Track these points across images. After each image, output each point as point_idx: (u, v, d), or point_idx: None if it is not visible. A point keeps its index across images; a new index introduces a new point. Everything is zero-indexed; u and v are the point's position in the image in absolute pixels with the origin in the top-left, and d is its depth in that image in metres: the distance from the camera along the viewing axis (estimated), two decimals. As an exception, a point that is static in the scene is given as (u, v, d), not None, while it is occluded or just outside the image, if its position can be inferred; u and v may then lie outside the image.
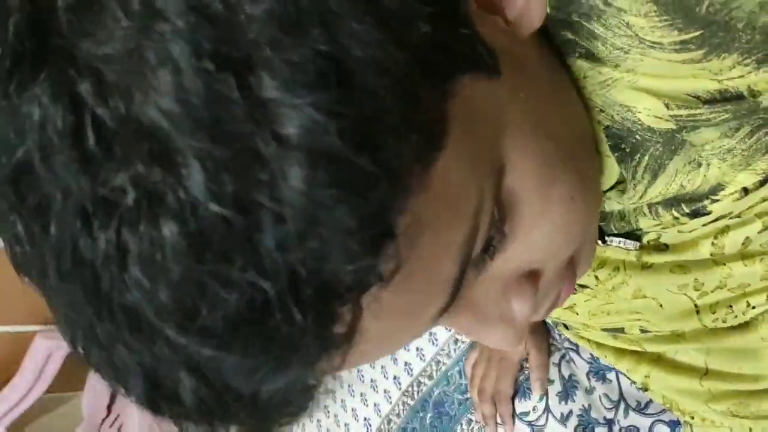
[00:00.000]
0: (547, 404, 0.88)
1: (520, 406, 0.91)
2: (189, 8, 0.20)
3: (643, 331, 0.49)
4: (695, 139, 0.33)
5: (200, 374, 0.22)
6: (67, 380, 1.94)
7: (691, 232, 0.40)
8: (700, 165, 0.34)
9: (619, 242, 0.42)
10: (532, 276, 0.31)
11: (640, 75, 0.32)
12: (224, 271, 0.20)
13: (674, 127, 0.33)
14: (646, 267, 0.44)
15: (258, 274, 0.20)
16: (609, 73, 0.32)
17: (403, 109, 0.22)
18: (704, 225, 0.39)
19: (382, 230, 0.22)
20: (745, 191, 0.35)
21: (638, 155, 0.35)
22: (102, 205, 0.20)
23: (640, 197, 0.37)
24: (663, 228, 0.40)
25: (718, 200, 0.36)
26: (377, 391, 1.16)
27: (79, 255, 0.21)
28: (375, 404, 1.16)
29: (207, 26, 0.20)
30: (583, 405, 0.84)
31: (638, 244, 0.42)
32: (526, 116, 0.28)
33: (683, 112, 0.32)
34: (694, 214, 0.37)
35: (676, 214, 0.38)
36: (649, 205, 0.39)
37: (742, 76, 0.30)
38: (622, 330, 0.50)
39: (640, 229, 0.41)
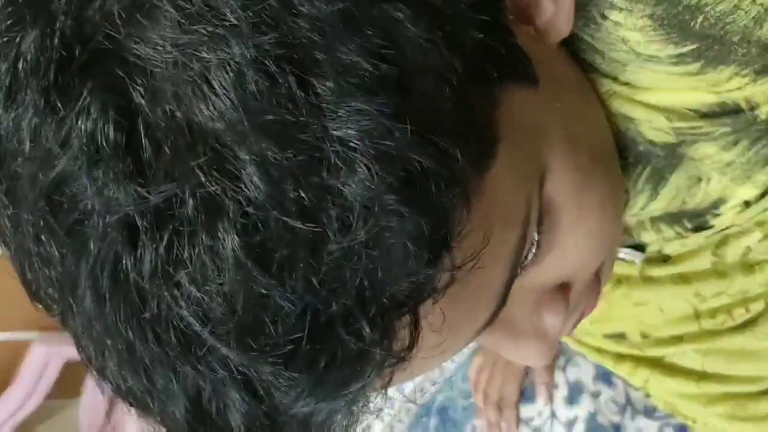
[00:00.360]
0: (552, 409, 0.87)
1: (525, 411, 0.91)
2: (247, 8, 0.19)
3: (644, 336, 0.49)
4: (694, 153, 0.33)
5: (254, 394, 0.21)
6: (66, 387, 1.93)
7: (693, 244, 0.41)
8: (700, 180, 0.34)
9: (626, 253, 0.43)
10: (563, 289, 0.31)
11: (639, 88, 0.32)
12: (288, 283, 0.19)
13: (674, 140, 0.33)
14: (647, 280, 0.45)
15: (323, 286, 0.19)
16: (609, 84, 0.32)
17: (459, 115, 0.22)
18: (706, 238, 0.39)
19: (444, 238, 0.21)
20: (747, 204, 0.35)
21: (640, 166, 0.35)
22: (153, 217, 0.19)
23: (642, 208, 0.37)
24: (666, 241, 0.40)
25: (720, 214, 0.36)
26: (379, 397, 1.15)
27: (122, 272, 0.20)
28: (377, 410, 1.15)
29: (266, 26, 0.19)
30: (589, 410, 0.83)
31: (644, 255, 0.43)
32: (560, 124, 0.28)
33: (683, 124, 0.32)
34: (697, 229, 0.38)
35: (678, 229, 0.38)
36: (652, 221, 0.39)
37: (739, 88, 0.30)
38: (623, 335, 0.50)
39: (643, 243, 0.42)
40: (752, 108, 0.31)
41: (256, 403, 0.21)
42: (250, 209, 0.19)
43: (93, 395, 1.99)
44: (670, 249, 0.43)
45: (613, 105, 0.33)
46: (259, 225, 0.19)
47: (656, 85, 0.31)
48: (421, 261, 0.20)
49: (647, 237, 0.40)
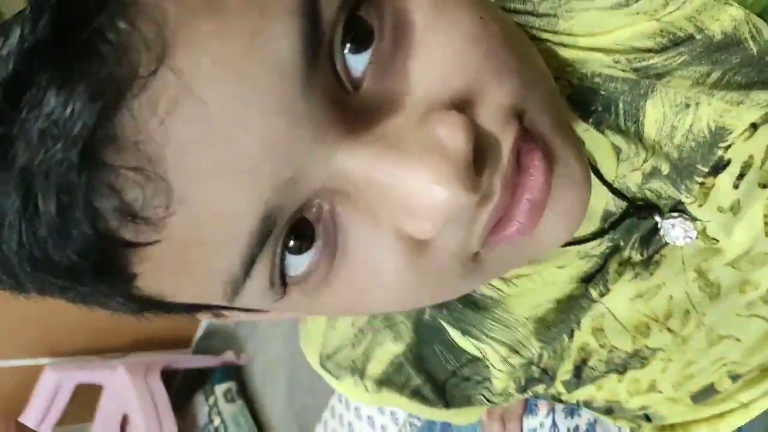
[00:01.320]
0: (554, 420, 0.88)
1: (528, 423, 0.91)
2: None
3: (733, 378, 0.44)
4: (667, 84, 0.32)
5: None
6: (78, 412, 1.94)
7: (731, 209, 0.37)
8: (687, 105, 0.33)
9: (676, 222, 0.37)
10: (461, 110, 0.26)
11: (579, 36, 0.31)
12: None
13: (633, 77, 0.32)
14: (715, 296, 0.40)
15: None
16: (551, 37, 0.32)
17: None
18: (735, 187, 0.35)
19: None
20: (754, 127, 0.33)
21: (612, 107, 0.34)
22: None
23: (637, 153, 0.35)
24: (699, 205, 0.37)
25: (730, 144, 0.33)
26: (384, 414, 1.16)
27: None
28: (382, 426, 1.16)
29: None
30: (589, 419, 0.84)
31: (695, 223, 0.37)
32: None
33: (637, 64, 0.32)
34: (715, 170, 0.35)
35: (698, 179, 0.35)
36: (671, 179, 0.36)
37: (678, 8, 0.29)
38: (713, 387, 0.44)
39: (682, 203, 0.37)
40: (701, 30, 0.30)
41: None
42: None
43: (104, 420, 1.99)
44: (714, 229, 0.37)
45: (560, 56, 0.32)
46: None
47: (594, 30, 0.30)
48: None
49: (680, 198, 0.37)
